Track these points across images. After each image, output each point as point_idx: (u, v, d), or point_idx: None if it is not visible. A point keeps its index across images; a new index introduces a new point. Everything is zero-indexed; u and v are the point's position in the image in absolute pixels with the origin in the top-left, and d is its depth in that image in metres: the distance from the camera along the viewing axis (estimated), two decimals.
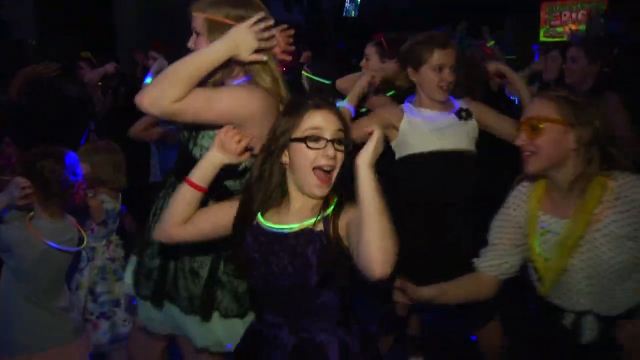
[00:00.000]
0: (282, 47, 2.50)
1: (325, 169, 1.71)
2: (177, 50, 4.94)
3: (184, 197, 1.83)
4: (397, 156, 2.77)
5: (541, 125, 1.86)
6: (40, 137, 2.94)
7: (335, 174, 1.73)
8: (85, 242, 2.75)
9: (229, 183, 2.18)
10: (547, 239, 1.95)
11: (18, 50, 4.97)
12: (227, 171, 1.99)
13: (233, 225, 1.82)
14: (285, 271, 1.69)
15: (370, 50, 3.43)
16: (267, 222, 1.78)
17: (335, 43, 6.71)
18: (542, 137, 1.87)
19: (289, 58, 2.56)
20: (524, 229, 2.01)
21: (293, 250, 1.69)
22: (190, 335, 2.23)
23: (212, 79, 2.09)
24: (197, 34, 2.11)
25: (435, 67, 2.68)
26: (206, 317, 2.16)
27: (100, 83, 5.01)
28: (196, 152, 2.15)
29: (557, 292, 1.97)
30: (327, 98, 1.86)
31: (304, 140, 1.71)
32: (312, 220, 1.72)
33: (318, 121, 1.72)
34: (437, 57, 2.68)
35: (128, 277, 2.41)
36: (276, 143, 1.77)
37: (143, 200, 4.29)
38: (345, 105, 2.87)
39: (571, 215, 1.90)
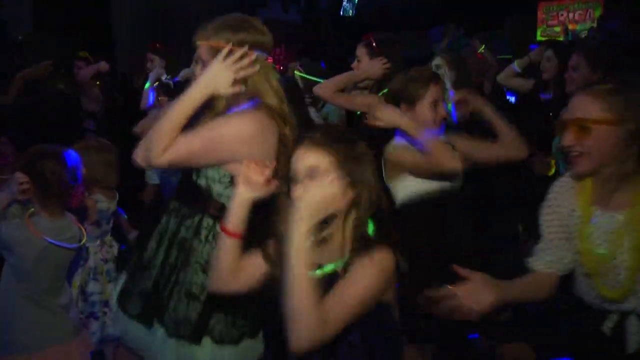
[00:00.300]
0: None
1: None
2: (175, 50, 4.96)
3: (225, 247, 1.77)
4: (401, 195, 2.69)
5: (589, 126, 1.79)
6: (39, 136, 2.93)
7: None
8: (84, 239, 2.74)
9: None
10: (596, 233, 1.88)
11: (17, 50, 4.95)
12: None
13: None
14: None
15: (361, 51, 3.43)
16: None
17: (334, 43, 6.72)
18: (590, 137, 1.80)
19: None
20: (573, 223, 1.94)
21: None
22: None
23: (214, 111, 2.12)
24: (203, 62, 2.13)
25: (431, 104, 2.66)
26: (195, 341, 2.12)
27: (98, 82, 5.01)
28: (201, 182, 2.16)
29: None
30: (321, 130, 1.74)
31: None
32: (332, 266, 1.67)
33: (294, 163, 1.69)
34: (432, 92, 2.66)
35: (115, 295, 2.37)
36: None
37: (138, 199, 4.31)
38: (431, 138, 2.58)
39: (622, 208, 1.84)
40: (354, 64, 3.45)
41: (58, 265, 2.60)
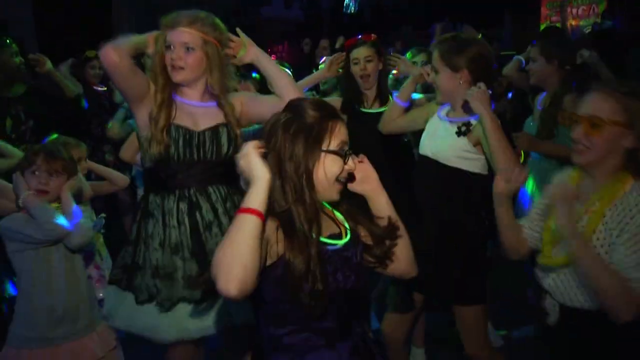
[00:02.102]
0: None
1: (342, 180, 1.67)
2: None
3: (252, 234, 1.40)
4: None
5: (601, 125, 1.82)
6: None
7: None
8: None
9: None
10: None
11: (19, 49, 4.96)
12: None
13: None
14: (340, 282, 1.62)
15: (370, 51, 3.36)
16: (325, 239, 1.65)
17: (333, 43, 6.72)
18: (599, 135, 1.83)
19: None
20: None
21: (346, 260, 1.65)
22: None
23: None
24: (190, 49, 2.22)
25: None
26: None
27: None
28: None
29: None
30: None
31: (340, 154, 1.63)
32: (348, 225, 1.71)
33: (344, 134, 1.65)
34: None
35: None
36: (311, 152, 1.60)
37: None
38: (399, 103, 2.93)
39: (589, 203, 1.87)
40: (362, 66, 3.38)
41: None
